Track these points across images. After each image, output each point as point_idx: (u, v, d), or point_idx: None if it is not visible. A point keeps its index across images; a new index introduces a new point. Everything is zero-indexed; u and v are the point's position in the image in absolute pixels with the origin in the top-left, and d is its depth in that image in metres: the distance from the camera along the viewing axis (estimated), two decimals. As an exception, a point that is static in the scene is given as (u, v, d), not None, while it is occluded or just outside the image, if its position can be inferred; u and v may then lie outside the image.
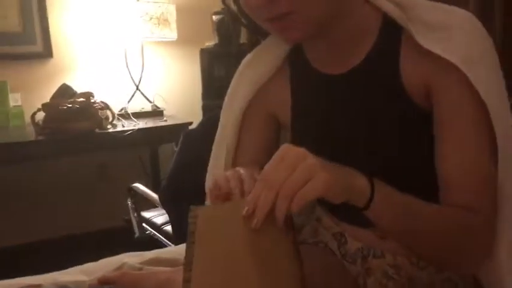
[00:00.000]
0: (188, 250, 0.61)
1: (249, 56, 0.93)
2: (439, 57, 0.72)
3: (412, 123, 0.78)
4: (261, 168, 0.64)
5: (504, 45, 1.67)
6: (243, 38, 2.57)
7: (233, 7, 0.82)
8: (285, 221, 0.60)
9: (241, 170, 0.73)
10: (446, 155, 0.75)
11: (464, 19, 0.75)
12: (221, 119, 0.97)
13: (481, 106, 0.72)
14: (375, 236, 0.83)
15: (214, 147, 0.99)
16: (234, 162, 0.94)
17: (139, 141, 2.47)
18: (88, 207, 2.75)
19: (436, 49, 0.72)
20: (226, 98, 0.96)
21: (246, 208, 0.61)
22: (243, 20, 0.83)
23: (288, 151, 0.62)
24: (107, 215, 2.70)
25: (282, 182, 0.59)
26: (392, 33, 0.78)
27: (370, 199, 0.65)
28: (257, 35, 0.91)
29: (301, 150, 0.62)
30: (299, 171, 0.59)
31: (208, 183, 0.98)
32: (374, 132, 0.80)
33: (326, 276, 0.81)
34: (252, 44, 0.96)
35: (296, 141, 0.90)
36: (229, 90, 0.96)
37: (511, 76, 0.84)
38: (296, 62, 0.88)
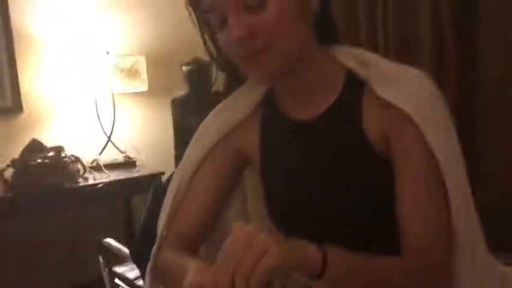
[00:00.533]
0: None
1: (220, 104, 0.96)
2: (394, 108, 0.79)
3: (373, 171, 0.82)
4: None
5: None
6: (215, 87, 2.63)
7: (210, 47, 0.87)
8: None
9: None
10: (400, 200, 0.79)
11: (415, 75, 0.83)
12: (186, 152, 0.97)
13: (430, 153, 0.77)
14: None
15: (169, 186, 0.98)
16: (183, 197, 0.94)
17: (112, 194, 2.46)
18: (60, 264, 2.67)
19: (391, 98, 0.79)
20: (195, 136, 0.97)
21: None
22: (219, 62, 0.89)
23: (240, 230, 0.63)
24: (80, 271, 2.63)
25: (238, 262, 0.61)
26: (355, 87, 0.84)
27: (323, 268, 0.67)
28: (232, 79, 0.94)
29: (252, 228, 0.63)
30: (254, 248, 0.61)
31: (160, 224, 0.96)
32: (337, 180, 0.84)
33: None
34: (226, 90, 0.98)
35: (266, 183, 0.93)
36: (199, 129, 0.97)
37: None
38: (267, 106, 0.93)
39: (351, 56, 0.85)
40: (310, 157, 0.87)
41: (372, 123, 0.81)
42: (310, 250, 0.67)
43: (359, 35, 2.01)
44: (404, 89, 0.80)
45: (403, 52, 1.85)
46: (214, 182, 0.93)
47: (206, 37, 0.86)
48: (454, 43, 1.72)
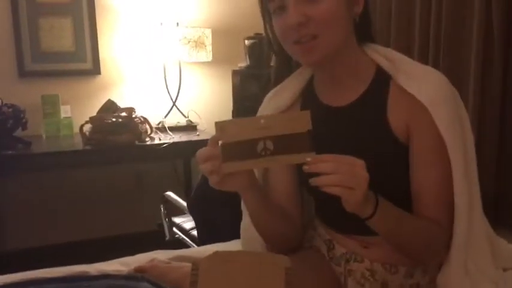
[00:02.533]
0: None
1: (271, 92, 1.13)
2: (414, 99, 0.94)
3: (394, 153, 0.98)
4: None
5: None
6: (273, 61, 2.78)
7: (268, 35, 1.01)
8: None
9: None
10: (415, 178, 0.96)
11: (433, 72, 0.97)
12: None
13: (442, 139, 0.92)
14: (358, 244, 1.02)
15: None
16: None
17: (174, 154, 2.67)
18: (126, 212, 2.99)
19: (413, 91, 0.94)
20: None
21: (309, 159, 0.80)
22: (274, 47, 1.04)
23: (361, 167, 0.82)
24: (142, 219, 2.94)
25: (342, 172, 0.80)
26: (382, 80, 0.99)
27: (373, 213, 0.85)
28: (284, 62, 1.10)
29: (367, 176, 0.82)
30: (355, 180, 0.81)
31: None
32: (368, 161, 0.96)
33: (315, 274, 1.00)
34: (276, 77, 1.14)
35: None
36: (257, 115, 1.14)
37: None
38: (307, 95, 1.09)
39: (381, 54, 1.00)
40: (341, 139, 1.01)
41: (395, 111, 0.96)
42: (370, 203, 0.85)
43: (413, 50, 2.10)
44: (424, 85, 0.94)
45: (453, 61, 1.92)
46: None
47: (267, 24, 1.01)
48: (502, 53, 1.76)
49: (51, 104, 2.68)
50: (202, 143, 2.62)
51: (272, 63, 2.89)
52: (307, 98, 1.08)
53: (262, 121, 0.82)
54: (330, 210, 1.03)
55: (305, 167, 0.81)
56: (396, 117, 0.96)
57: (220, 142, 0.85)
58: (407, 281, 0.99)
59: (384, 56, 0.99)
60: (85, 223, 2.93)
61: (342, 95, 1.01)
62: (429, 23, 2.03)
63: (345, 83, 1.01)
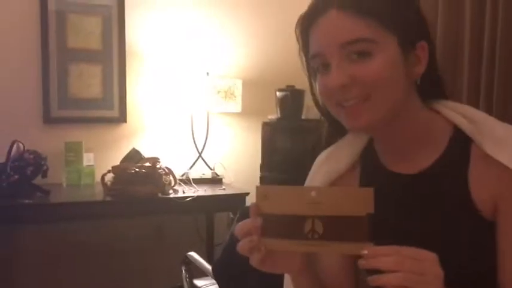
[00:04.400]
0: None
1: (324, 153, 0.99)
2: (504, 168, 0.77)
3: (476, 232, 0.80)
4: None
5: None
6: (305, 115, 2.68)
7: (314, 94, 0.90)
8: None
9: None
10: (503, 267, 0.78)
11: None
12: None
13: None
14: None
15: None
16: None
17: (197, 207, 2.53)
18: (143, 269, 2.83)
19: (503, 159, 0.77)
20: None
21: (366, 252, 0.66)
22: (321, 108, 0.91)
23: (432, 261, 0.68)
24: (161, 278, 2.76)
25: (410, 266, 0.65)
26: (461, 144, 0.83)
27: None
28: (334, 127, 0.96)
29: (442, 274, 0.68)
30: (426, 279, 0.65)
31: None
32: (436, 239, 0.81)
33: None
34: (328, 139, 1.01)
35: None
36: (307, 180, 0.99)
37: None
38: (368, 158, 0.93)
39: (457, 112, 0.85)
40: (410, 213, 0.86)
41: (479, 181, 0.80)
42: None
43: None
44: None
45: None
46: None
47: (312, 80, 0.89)
48: None
49: (74, 152, 2.60)
50: (228, 197, 2.53)
51: (303, 117, 2.80)
52: (368, 162, 0.94)
53: (313, 194, 0.69)
54: None
55: (361, 262, 0.67)
56: (481, 189, 0.80)
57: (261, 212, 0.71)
58: None
59: (462, 114, 0.84)
60: (101, 277, 2.77)
61: (411, 161, 0.87)
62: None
63: (413, 149, 0.86)
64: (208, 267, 1.92)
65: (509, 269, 0.78)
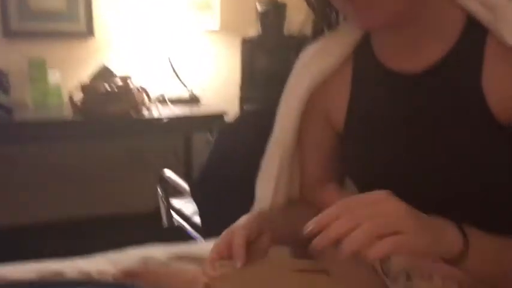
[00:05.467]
0: None
1: (311, 48, 0.86)
2: None
3: (488, 138, 0.70)
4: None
5: None
6: (287, 31, 2.52)
7: None
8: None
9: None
10: None
11: None
12: (277, 118, 0.90)
13: None
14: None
15: (267, 152, 0.92)
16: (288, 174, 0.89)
17: (174, 128, 2.46)
18: (118, 190, 2.76)
19: None
20: (284, 93, 0.89)
21: (312, 226, 0.55)
22: (314, 2, 0.80)
23: (386, 199, 0.57)
24: (137, 200, 2.71)
25: (366, 218, 0.54)
26: (476, 35, 0.71)
27: (462, 254, 0.60)
28: (323, 24, 0.85)
29: (402, 205, 0.57)
30: (390, 220, 0.54)
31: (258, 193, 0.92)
32: (442, 145, 0.73)
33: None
34: (315, 34, 0.88)
35: (349, 150, 0.84)
36: (287, 86, 0.89)
37: None
38: (361, 56, 0.82)
39: None
40: (413, 116, 0.76)
41: (494, 78, 0.69)
42: (450, 235, 0.60)
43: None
44: None
45: None
46: (318, 147, 0.89)
47: None
48: None
49: (38, 69, 2.42)
50: (205, 117, 2.43)
51: (286, 33, 2.63)
52: (363, 58, 0.82)
53: None
54: None
55: (313, 244, 0.56)
56: (496, 87, 0.69)
57: None
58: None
59: (480, 1, 0.71)
60: (72, 201, 2.69)
61: (416, 57, 0.74)
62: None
63: (421, 42, 0.74)
64: (185, 186, 1.85)
65: None
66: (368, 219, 0.54)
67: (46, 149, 2.56)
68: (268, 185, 0.89)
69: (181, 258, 1.06)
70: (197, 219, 1.82)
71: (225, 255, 0.69)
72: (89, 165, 2.69)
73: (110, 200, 2.74)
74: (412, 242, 0.55)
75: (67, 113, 2.24)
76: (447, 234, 0.60)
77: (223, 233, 0.74)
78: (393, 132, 0.78)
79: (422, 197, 0.73)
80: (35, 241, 2.29)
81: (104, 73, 2.38)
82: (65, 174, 2.65)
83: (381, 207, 0.55)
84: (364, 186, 0.82)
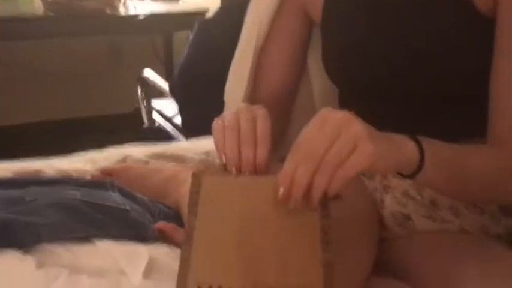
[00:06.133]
0: (189, 223, 0.54)
1: None
2: None
3: (468, 31, 0.68)
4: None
5: None
6: None
7: None
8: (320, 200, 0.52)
9: (242, 119, 0.60)
10: (498, 70, 0.67)
11: None
12: (246, 19, 0.85)
13: None
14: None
15: (237, 53, 0.88)
16: (258, 67, 0.84)
17: (153, 26, 2.38)
18: (96, 91, 2.70)
19: None
20: None
21: (281, 190, 0.52)
22: None
23: (328, 116, 0.52)
24: (116, 101, 2.66)
25: (322, 155, 0.50)
26: None
27: (419, 167, 0.58)
28: None
29: (345, 115, 0.52)
30: (341, 142, 0.51)
31: (228, 92, 0.89)
32: (418, 32, 0.71)
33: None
34: None
35: (327, 44, 0.80)
36: None
37: None
38: None
39: None
40: (389, 3, 0.73)
41: None
42: (407, 147, 0.57)
43: None
44: None
45: None
46: (289, 41, 0.83)
47: None
48: None
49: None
50: (186, 14, 2.32)
51: None
52: None
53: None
54: (363, 108, 0.76)
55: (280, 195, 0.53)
56: None
57: None
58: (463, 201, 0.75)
59: None
60: (49, 102, 2.64)
61: None
62: None
63: None
64: (166, 86, 1.81)
65: (495, 76, 0.66)
66: (323, 153, 0.50)
67: (18, 47, 2.46)
68: (239, 86, 0.85)
69: (160, 156, 1.06)
70: (178, 120, 1.81)
71: (250, 140, 0.58)
72: (67, 65, 2.60)
73: (89, 101, 2.69)
74: (372, 153, 0.51)
75: (39, 8, 2.13)
76: (405, 146, 0.58)
77: (232, 115, 0.60)
78: (371, 17, 0.75)
79: (396, 88, 0.73)
80: (10, 143, 2.27)
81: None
82: (40, 73, 2.57)
83: (327, 132, 0.51)
84: (342, 81, 0.81)
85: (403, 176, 0.60)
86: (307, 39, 0.85)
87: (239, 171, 0.57)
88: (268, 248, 0.53)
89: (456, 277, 0.64)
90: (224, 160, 0.57)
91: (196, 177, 0.57)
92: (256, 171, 0.57)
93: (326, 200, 0.54)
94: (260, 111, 0.60)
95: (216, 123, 0.60)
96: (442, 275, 0.65)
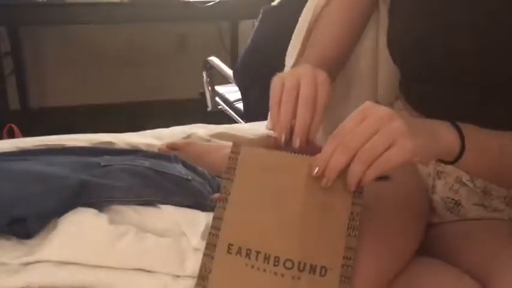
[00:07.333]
0: (224, 186, 0.58)
1: None
2: None
3: None
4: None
5: None
6: None
7: None
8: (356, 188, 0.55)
9: (304, 82, 0.60)
10: None
11: None
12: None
13: None
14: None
15: (299, 23, 0.91)
16: (315, 28, 0.84)
17: (220, 14, 2.41)
18: (164, 76, 2.81)
19: None
20: None
21: (316, 169, 0.54)
22: None
23: (370, 110, 0.54)
24: (182, 86, 2.75)
25: (360, 145, 0.52)
26: None
27: (459, 155, 0.58)
28: None
29: (386, 111, 0.53)
30: (381, 135, 0.52)
31: (287, 63, 0.91)
32: (488, 19, 0.66)
33: (394, 172, 0.76)
34: None
35: (396, 26, 0.79)
36: None
37: None
38: None
39: None
40: None
41: None
42: (447, 137, 0.57)
43: None
44: None
45: None
46: (348, 13, 0.82)
47: None
48: None
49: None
50: (252, 3, 2.34)
51: None
52: None
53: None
54: (423, 91, 0.76)
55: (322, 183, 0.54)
56: None
57: None
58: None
59: None
60: (119, 85, 2.78)
61: None
62: None
63: None
64: (230, 72, 1.86)
65: None
66: (361, 144, 0.52)
67: (93, 31, 2.60)
68: (293, 53, 0.87)
69: (222, 136, 1.12)
70: (240, 105, 1.85)
71: (309, 105, 0.58)
72: (138, 51, 2.72)
73: (156, 86, 2.81)
74: (411, 148, 0.52)
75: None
76: (445, 137, 0.58)
77: (293, 76, 0.60)
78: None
79: (459, 75, 0.70)
80: (86, 120, 2.42)
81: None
82: (112, 57, 2.70)
83: (367, 125, 0.53)
84: (404, 56, 0.78)
85: (442, 162, 0.61)
86: (366, 13, 0.84)
87: (287, 138, 0.57)
88: (297, 222, 0.55)
89: (498, 264, 0.63)
90: (275, 125, 0.58)
91: (236, 145, 0.60)
92: (307, 139, 0.58)
93: (360, 188, 0.56)
94: (322, 77, 0.60)
95: (276, 80, 0.60)
96: (485, 260, 0.65)
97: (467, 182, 0.75)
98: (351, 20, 0.82)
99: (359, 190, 0.56)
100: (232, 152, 0.59)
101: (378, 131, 0.53)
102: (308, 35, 0.84)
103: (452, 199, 0.76)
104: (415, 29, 0.75)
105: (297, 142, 0.57)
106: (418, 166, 0.80)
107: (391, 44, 0.80)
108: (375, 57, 0.89)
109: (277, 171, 0.58)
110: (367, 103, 0.55)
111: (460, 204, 0.75)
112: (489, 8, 0.67)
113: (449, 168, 0.76)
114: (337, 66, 0.81)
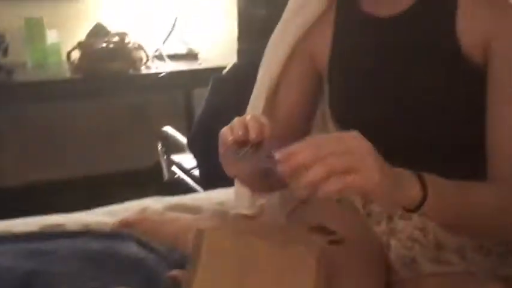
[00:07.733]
0: (189, 272, 0.58)
1: (293, 2, 0.89)
2: (503, 6, 0.69)
3: (463, 79, 0.72)
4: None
5: None
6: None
7: None
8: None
9: (248, 117, 0.66)
10: (495, 118, 0.70)
11: None
12: (261, 68, 0.93)
13: None
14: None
15: (252, 98, 0.95)
16: (270, 114, 0.89)
17: (173, 84, 2.45)
18: (119, 148, 2.78)
19: None
20: (268, 46, 0.92)
21: (278, 154, 0.55)
22: None
23: (350, 136, 0.56)
24: (138, 157, 2.73)
25: (327, 155, 0.53)
26: None
27: (421, 204, 0.60)
28: None
29: (369, 144, 0.56)
30: (354, 157, 0.54)
31: None
32: (415, 85, 0.75)
33: (349, 234, 0.77)
34: None
35: (333, 95, 0.85)
36: (272, 38, 0.91)
37: None
38: (343, 2, 0.84)
39: None
40: (387, 57, 0.78)
41: (469, 19, 0.70)
42: (410, 191, 0.60)
43: None
44: None
45: None
46: (301, 83, 0.88)
47: None
48: None
49: (35, 29, 2.39)
50: (205, 72, 2.41)
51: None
52: (344, 6, 0.84)
53: None
54: None
55: (279, 168, 0.55)
56: (471, 28, 0.70)
57: None
58: (471, 242, 0.76)
59: None
60: (74, 160, 2.72)
61: (392, 1, 0.76)
62: None
63: None
64: (185, 140, 1.87)
65: (491, 121, 0.69)
66: (330, 155, 0.54)
67: (46, 109, 2.57)
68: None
69: (176, 207, 1.10)
70: (196, 173, 1.85)
71: (257, 120, 0.64)
72: (91, 123, 2.70)
73: (111, 157, 2.77)
74: (365, 183, 0.54)
75: (66, 72, 2.25)
76: (406, 180, 0.60)
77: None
78: (367, 70, 0.80)
79: (393, 137, 0.76)
80: (37, 199, 2.35)
81: (100, 30, 2.38)
82: (66, 132, 2.67)
83: (345, 144, 0.55)
84: (344, 127, 0.83)
85: (405, 210, 0.62)
86: (317, 83, 0.89)
87: (242, 143, 0.61)
88: None
89: None
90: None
91: (199, 232, 0.60)
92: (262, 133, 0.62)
93: (321, 255, 0.57)
94: (263, 116, 0.66)
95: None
96: None
97: (420, 239, 0.77)
98: (304, 89, 0.89)
99: (319, 258, 0.57)
100: (196, 236, 0.60)
101: (354, 153, 0.54)
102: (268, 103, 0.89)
103: (408, 256, 0.77)
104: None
105: (253, 135, 0.61)
106: (371, 225, 0.81)
107: (335, 109, 0.85)
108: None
109: (239, 251, 0.58)
110: (353, 132, 0.57)
111: (415, 261, 0.76)
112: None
113: (401, 225, 0.78)
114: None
